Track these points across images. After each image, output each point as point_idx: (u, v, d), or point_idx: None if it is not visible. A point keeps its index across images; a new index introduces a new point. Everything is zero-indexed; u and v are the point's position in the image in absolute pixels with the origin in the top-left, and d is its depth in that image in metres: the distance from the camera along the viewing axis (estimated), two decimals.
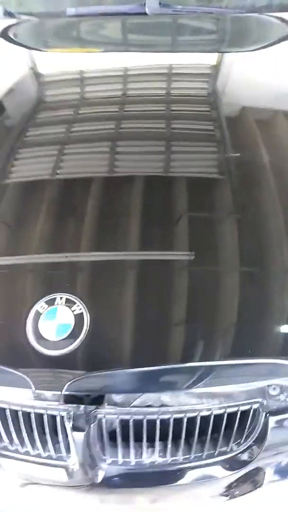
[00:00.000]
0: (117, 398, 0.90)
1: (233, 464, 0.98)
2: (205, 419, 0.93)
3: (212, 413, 0.92)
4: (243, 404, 0.93)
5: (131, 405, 0.90)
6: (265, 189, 1.17)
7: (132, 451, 0.95)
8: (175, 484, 0.98)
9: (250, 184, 1.18)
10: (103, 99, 1.54)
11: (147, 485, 0.99)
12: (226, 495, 0.99)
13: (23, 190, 1.22)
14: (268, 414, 0.95)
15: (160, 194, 1.15)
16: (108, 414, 0.90)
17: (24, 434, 0.94)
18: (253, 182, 1.18)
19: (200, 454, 0.96)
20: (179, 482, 0.98)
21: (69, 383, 0.86)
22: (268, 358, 0.92)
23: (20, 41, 1.86)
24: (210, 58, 1.73)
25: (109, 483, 0.96)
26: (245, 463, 0.98)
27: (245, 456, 0.98)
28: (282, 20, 1.88)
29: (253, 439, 0.96)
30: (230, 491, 0.99)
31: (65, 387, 0.86)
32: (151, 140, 1.34)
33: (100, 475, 0.96)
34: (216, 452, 0.97)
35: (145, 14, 1.86)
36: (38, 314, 0.91)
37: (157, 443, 0.94)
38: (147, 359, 0.90)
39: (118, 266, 1.01)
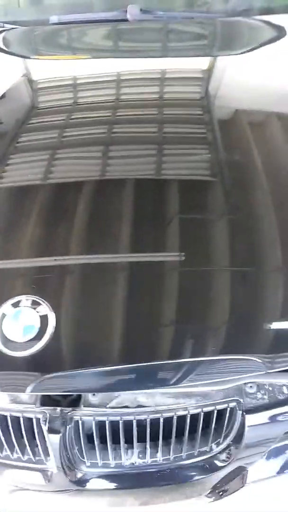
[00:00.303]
0: (93, 399, 0.90)
1: (213, 464, 0.98)
2: (183, 419, 0.93)
3: (189, 412, 0.92)
4: (220, 403, 0.93)
5: (107, 406, 0.90)
6: (256, 191, 1.17)
7: (110, 453, 0.95)
8: (157, 485, 0.98)
9: (241, 186, 1.18)
10: (91, 104, 1.55)
11: (129, 486, 0.99)
12: (209, 496, 0.99)
13: (13, 194, 1.22)
14: (245, 413, 0.95)
15: (151, 197, 1.15)
16: (84, 415, 0.90)
17: (1, 438, 0.94)
18: (245, 184, 1.18)
19: (180, 454, 0.96)
20: (161, 483, 0.98)
21: (32, 384, 0.86)
22: (244, 355, 0.91)
23: (6, 49, 1.87)
24: (196, 62, 1.75)
25: (89, 486, 0.96)
26: (225, 463, 0.98)
27: (224, 456, 0.98)
28: (264, 23, 1.90)
29: (232, 439, 0.96)
30: (212, 492, 0.98)
31: (29, 388, 0.86)
32: (138, 144, 1.35)
33: (80, 478, 0.96)
34: (196, 452, 0.97)
35: (126, 20, 1.88)
36: (3, 316, 0.91)
37: (135, 444, 0.95)
38: (118, 358, 0.89)
39: (89, 268, 1.01)
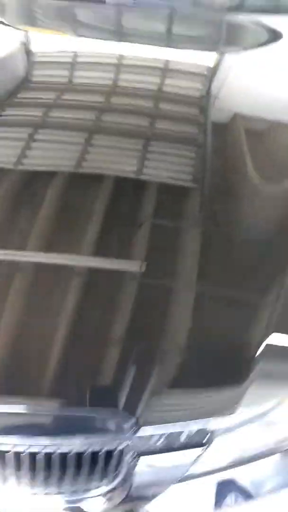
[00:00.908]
0: None
1: (100, 505, 0.91)
2: (69, 457, 0.85)
3: (72, 451, 0.84)
4: (108, 443, 0.85)
5: None
6: (237, 202, 1.09)
7: None
8: None
9: (221, 195, 1.10)
10: (53, 85, 1.48)
11: None
12: None
13: None
14: (136, 455, 0.87)
15: (120, 196, 1.08)
16: None
17: None
18: (225, 194, 1.11)
19: (60, 492, 0.89)
20: None
21: None
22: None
23: None
24: (169, 53, 1.70)
25: None
26: (112, 504, 0.91)
27: (111, 497, 0.90)
28: (238, 21, 1.82)
29: (120, 480, 0.89)
30: None
31: None
32: (101, 134, 1.29)
33: None
34: (80, 491, 0.89)
35: (103, 2, 1.79)
36: None
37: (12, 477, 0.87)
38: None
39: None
